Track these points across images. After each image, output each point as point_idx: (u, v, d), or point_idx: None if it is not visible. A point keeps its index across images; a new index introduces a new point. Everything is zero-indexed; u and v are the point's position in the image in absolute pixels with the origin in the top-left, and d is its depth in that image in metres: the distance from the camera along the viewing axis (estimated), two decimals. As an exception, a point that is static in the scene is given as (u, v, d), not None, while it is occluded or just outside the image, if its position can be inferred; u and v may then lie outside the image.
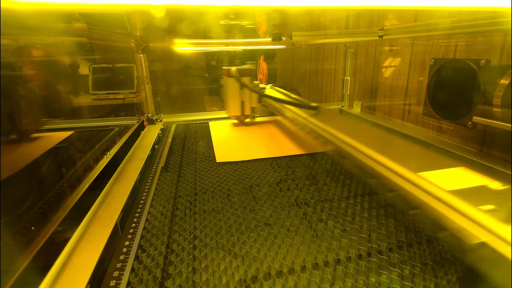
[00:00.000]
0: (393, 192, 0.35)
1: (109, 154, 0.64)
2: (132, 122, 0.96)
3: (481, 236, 0.25)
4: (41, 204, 0.51)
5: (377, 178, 0.37)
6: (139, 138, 0.82)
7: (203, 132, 0.88)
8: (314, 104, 0.67)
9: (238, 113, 0.92)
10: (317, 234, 0.38)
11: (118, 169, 0.59)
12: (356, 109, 1.08)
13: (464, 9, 0.54)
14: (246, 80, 0.89)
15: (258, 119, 1.01)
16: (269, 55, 1.55)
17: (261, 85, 1.07)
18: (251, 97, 0.91)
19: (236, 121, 0.98)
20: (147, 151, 0.69)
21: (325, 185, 0.51)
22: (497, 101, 0.48)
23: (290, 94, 0.92)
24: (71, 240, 0.37)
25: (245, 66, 0.94)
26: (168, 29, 1.11)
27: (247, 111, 0.93)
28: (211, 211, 0.44)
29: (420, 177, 0.33)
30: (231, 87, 0.89)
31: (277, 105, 0.82)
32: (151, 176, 0.57)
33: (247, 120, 0.96)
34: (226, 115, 1.11)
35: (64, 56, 1.18)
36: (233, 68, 0.89)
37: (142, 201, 0.47)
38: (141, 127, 0.91)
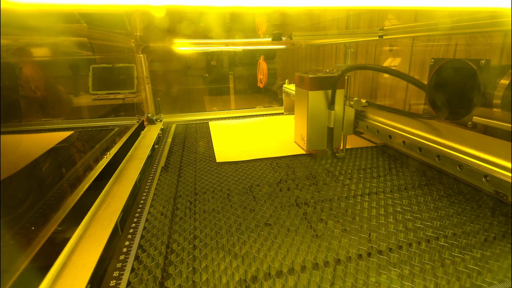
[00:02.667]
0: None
1: (109, 154, 0.64)
2: (132, 122, 0.96)
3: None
4: (41, 204, 0.51)
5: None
6: (139, 138, 0.82)
7: (203, 132, 0.88)
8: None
9: (322, 146, 0.61)
10: (317, 234, 0.38)
11: (118, 169, 0.59)
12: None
13: (464, 9, 0.54)
14: (340, 93, 0.60)
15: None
16: (269, 55, 1.55)
17: (288, 86, 1.04)
18: (344, 120, 0.60)
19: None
20: (147, 151, 0.69)
21: (325, 185, 0.51)
22: (497, 101, 0.48)
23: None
24: (71, 240, 0.37)
25: (332, 73, 0.61)
26: (168, 29, 1.11)
27: (337, 143, 0.62)
28: (211, 211, 0.44)
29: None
30: (312, 104, 0.58)
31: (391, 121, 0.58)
32: (151, 176, 0.57)
33: (328, 154, 0.63)
34: (227, 115, 1.11)
35: (64, 56, 1.18)
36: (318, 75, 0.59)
37: (142, 201, 0.47)
38: (141, 127, 0.91)
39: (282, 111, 1.11)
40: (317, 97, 0.60)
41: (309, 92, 0.59)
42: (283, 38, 0.89)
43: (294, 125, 0.70)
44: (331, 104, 0.59)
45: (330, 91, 0.59)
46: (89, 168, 0.63)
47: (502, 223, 0.39)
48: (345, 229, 0.39)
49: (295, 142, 0.71)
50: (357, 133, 0.81)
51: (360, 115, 0.67)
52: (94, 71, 1.24)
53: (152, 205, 0.46)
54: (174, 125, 0.96)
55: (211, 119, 1.04)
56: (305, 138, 0.63)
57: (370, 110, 0.67)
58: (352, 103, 0.59)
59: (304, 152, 0.67)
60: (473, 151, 0.42)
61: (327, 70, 0.64)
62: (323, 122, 0.61)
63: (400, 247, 0.35)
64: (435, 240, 0.36)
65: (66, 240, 0.37)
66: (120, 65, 1.26)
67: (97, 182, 0.53)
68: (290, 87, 1.02)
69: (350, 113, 0.60)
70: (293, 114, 1.08)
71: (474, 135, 0.46)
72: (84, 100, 1.21)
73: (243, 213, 0.43)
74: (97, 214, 0.43)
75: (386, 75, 0.96)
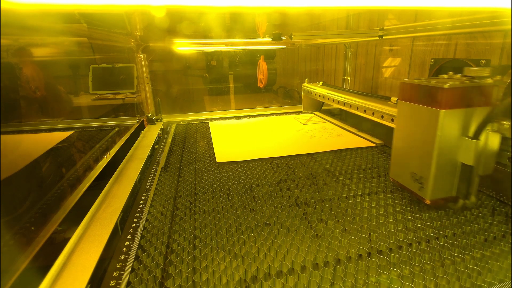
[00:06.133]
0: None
1: (109, 154, 0.64)
2: (132, 122, 0.96)
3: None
4: (41, 204, 0.51)
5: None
6: (139, 138, 0.82)
7: (203, 132, 0.88)
8: None
9: (450, 191, 0.41)
10: (317, 234, 0.38)
11: (118, 169, 0.59)
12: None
13: (464, 9, 0.54)
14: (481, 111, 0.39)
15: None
16: (269, 55, 1.55)
17: (308, 85, 1.06)
18: (485, 153, 0.39)
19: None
20: (147, 151, 0.69)
21: (325, 185, 0.51)
22: (497, 101, 0.48)
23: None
24: (71, 240, 0.37)
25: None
26: (168, 29, 1.11)
27: (471, 187, 0.40)
28: (211, 211, 0.44)
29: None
30: (445, 131, 0.38)
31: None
32: (151, 176, 0.57)
33: (459, 205, 0.41)
34: (226, 115, 1.11)
35: (64, 56, 1.19)
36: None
37: (142, 201, 0.47)
38: (141, 127, 0.91)
39: (282, 111, 1.12)
40: (453, 120, 0.38)
41: (443, 111, 0.37)
42: (283, 38, 0.89)
43: (392, 154, 0.48)
44: (477, 131, 0.38)
45: (476, 111, 0.38)
46: (89, 168, 0.63)
47: (502, 223, 0.39)
48: (345, 229, 0.39)
49: (393, 180, 0.48)
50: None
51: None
52: (94, 71, 1.24)
53: (152, 205, 0.46)
54: (174, 125, 0.96)
55: (211, 119, 1.04)
56: (426, 181, 0.41)
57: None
58: (506, 126, 0.38)
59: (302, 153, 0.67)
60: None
61: (458, 76, 0.42)
62: (453, 157, 0.40)
63: (400, 247, 0.35)
64: (435, 240, 0.36)
65: (66, 240, 0.37)
66: (120, 65, 1.26)
67: (97, 182, 0.53)
68: (310, 86, 1.04)
69: (494, 142, 0.39)
70: (310, 112, 1.08)
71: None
72: (84, 100, 1.21)
73: (243, 213, 0.43)
74: (97, 214, 0.43)
75: (386, 75, 0.96)
